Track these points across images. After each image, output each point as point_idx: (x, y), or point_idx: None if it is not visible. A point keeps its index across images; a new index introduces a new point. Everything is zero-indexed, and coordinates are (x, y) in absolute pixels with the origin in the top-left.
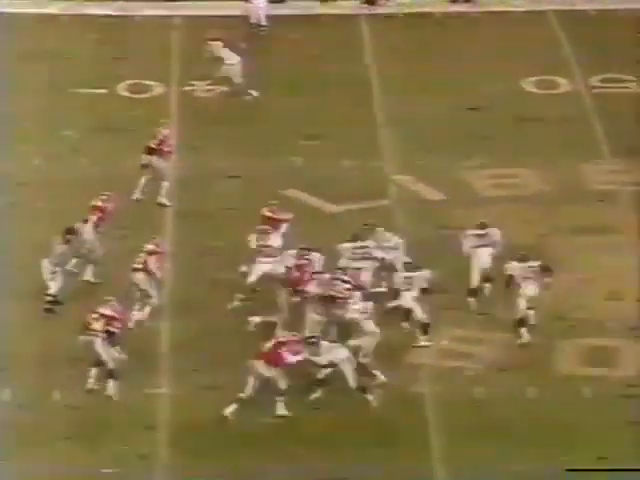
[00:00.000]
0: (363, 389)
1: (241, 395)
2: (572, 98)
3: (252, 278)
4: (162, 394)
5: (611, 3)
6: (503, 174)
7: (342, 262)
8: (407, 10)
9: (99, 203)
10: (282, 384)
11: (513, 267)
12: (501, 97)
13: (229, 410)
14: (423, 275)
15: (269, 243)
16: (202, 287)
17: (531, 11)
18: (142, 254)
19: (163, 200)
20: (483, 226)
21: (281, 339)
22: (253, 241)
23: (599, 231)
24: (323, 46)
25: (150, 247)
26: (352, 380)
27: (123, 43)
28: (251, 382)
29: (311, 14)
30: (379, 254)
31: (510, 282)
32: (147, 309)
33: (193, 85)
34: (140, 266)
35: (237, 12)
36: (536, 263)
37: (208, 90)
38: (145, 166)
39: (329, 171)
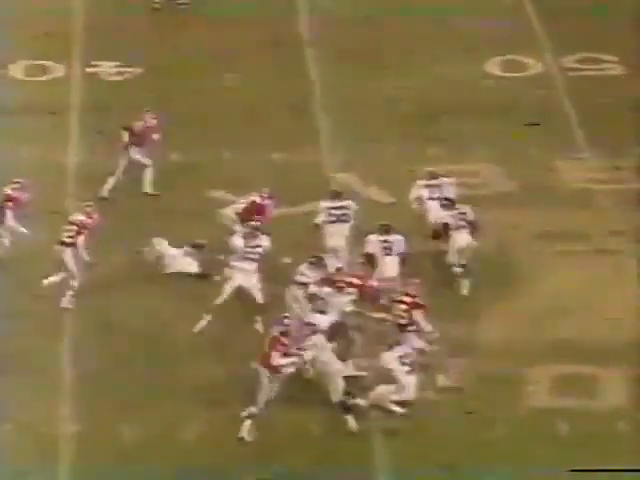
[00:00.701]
0: (345, 408)
1: (253, 410)
2: (543, 81)
3: (228, 291)
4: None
5: None
6: (461, 171)
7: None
8: None
9: (10, 192)
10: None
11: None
12: (458, 80)
13: (244, 431)
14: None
15: (260, 244)
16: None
17: None
18: (72, 226)
19: (149, 189)
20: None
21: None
22: (237, 241)
23: (572, 237)
24: (253, 21)
25: (81, 219)
26: (336, 395)
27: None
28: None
29: None
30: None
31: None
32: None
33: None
34: (69, 240)
35: None
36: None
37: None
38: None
39: (259, 166)
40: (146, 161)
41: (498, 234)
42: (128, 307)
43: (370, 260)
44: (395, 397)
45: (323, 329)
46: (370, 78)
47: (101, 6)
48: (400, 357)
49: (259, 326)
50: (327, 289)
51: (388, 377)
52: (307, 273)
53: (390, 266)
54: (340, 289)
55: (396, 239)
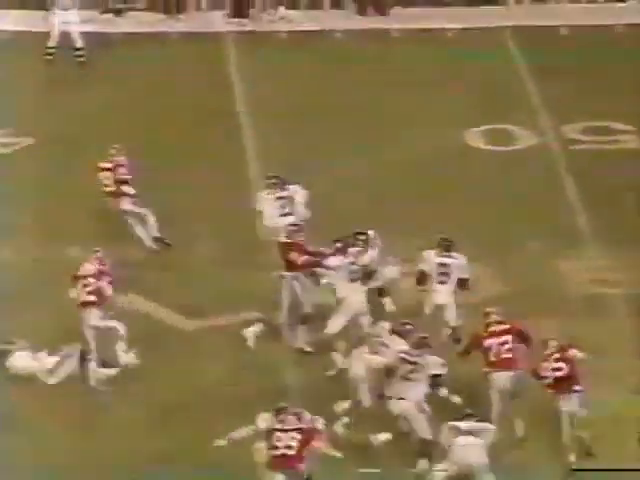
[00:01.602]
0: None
1: None
2: (538, 157)
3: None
4: None
5: (593, 16)
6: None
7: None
8: (294, 27)
9: None
10: None
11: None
12: (432, 152)
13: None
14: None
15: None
16: None
17: (477, 28)
18: (87, 278)
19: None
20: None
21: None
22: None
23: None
24: (174, 72)
25: (95, 267)
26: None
27: None
28: None
29: (156, 32)
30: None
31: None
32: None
33: None
34: (92, 298)
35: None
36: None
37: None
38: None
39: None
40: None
41: None
42: None
43: (422, 278)
44: None
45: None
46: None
47: None
48: None
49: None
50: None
51: None
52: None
53: (444, 295)
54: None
55: (456, 263)
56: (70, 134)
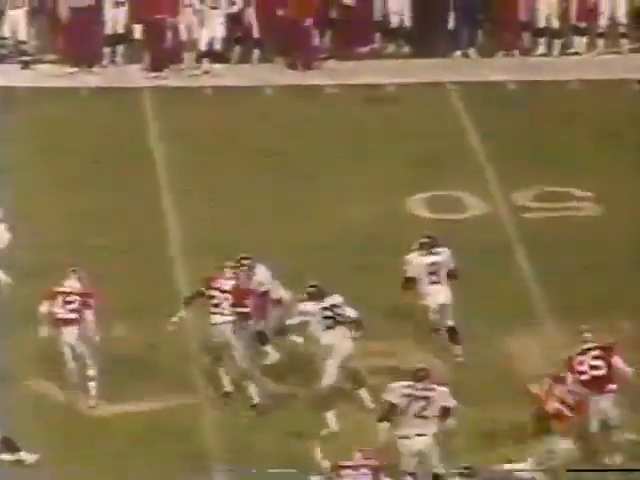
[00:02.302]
0: None
1: None
2: (487, 227)
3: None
4: None
5: (542, 72)
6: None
7: None
8: (212, 82)
9: None
10: None
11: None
12: (370, 220)
13: None
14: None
15: None
16: None
17: (419, 83)
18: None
19: None
20: None
21: None
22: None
23: None
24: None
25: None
26: None
27: None
28: None
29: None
30: None
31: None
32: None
33: None
34: (73, 316)
35: None
36: None
37: None
38: None
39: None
40: None
41: None
42: None
43: (410, 285)
44: None
45: None
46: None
47: None
48: None
49: None
50: None
51: None
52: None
53: (444, 294)
54: None
55: (446, 257)
56: None
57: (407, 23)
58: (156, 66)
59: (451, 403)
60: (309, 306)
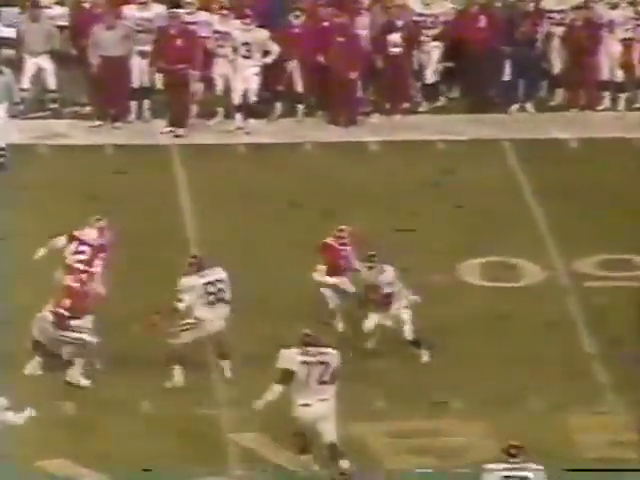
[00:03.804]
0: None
1: None
2: (543, 295)
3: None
4: None
5: (607, 129)
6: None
7: None
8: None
9: None
10: None
11: None
12: (417, 288)
13: None
14: None
15: None
16: None
17: (472, 140)
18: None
19: None
20: None
21: None
22: None
23: None
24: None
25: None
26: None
27: None
28: None
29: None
30: None
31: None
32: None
33: None
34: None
35: None
36: None
37: None
38: None
39: None
40: None
41: None
42: None
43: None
44: None
45: None
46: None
47: None
48: None
49: None
50: None
51: None
52: None
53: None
54: None
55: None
56: None
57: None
58: (176, 121)
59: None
60: (191, 280)
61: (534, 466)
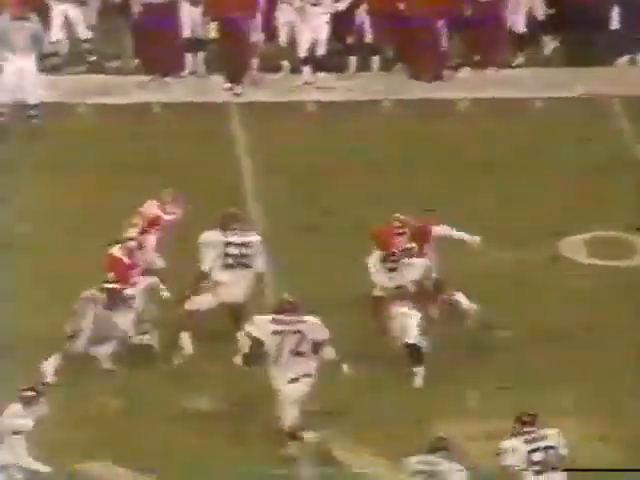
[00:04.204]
0: None
1: None
2: None
3: None
4: None
5: None
6: None
7: None
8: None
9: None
10: None
11: None
12: (514, 266)
13: None
14: None
15: None
16: None
17: (575, 98)
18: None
19: None
20: None
21: None
22: None
23: None
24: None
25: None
26: None
27: None
28: None
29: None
30: None
31: None
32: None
33: None
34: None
35: None
36: None
37: None
38: None
39: None
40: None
41: None
42: None
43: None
44: None
45: None
46: None
47: None
48: None
49: None
50: None
51: None
52: None
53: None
54: None
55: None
56: None
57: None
58: (234, 76)
59: (324, 335)
60: (211, 235)
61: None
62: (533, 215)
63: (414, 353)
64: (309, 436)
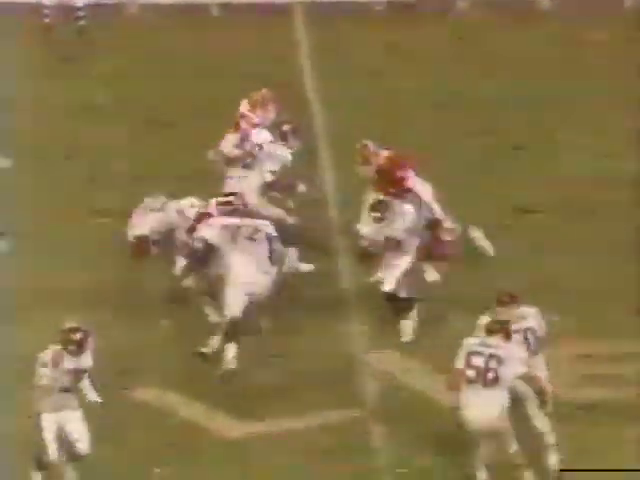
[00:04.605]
0: None
1: None
2: None
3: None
4: None
5: None
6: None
7: None
8: None
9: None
10: None
11: None
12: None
13: None
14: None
15: None
16: None
17: None
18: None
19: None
20: None
21: None
22: None
23: None
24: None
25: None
26: None
27: None
28: None
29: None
30: None
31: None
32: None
33: None
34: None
35: None
36: None
37: None
38: None
39: None
40: None
41: None
42: None
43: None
44: None
45: None
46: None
47: None
48: None
49: None
50: None
51: None
52: None
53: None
54: None
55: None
56: None
57: None
58: None
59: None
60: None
61: (529, 309)
62: None
63: (395, 303)
64: None
